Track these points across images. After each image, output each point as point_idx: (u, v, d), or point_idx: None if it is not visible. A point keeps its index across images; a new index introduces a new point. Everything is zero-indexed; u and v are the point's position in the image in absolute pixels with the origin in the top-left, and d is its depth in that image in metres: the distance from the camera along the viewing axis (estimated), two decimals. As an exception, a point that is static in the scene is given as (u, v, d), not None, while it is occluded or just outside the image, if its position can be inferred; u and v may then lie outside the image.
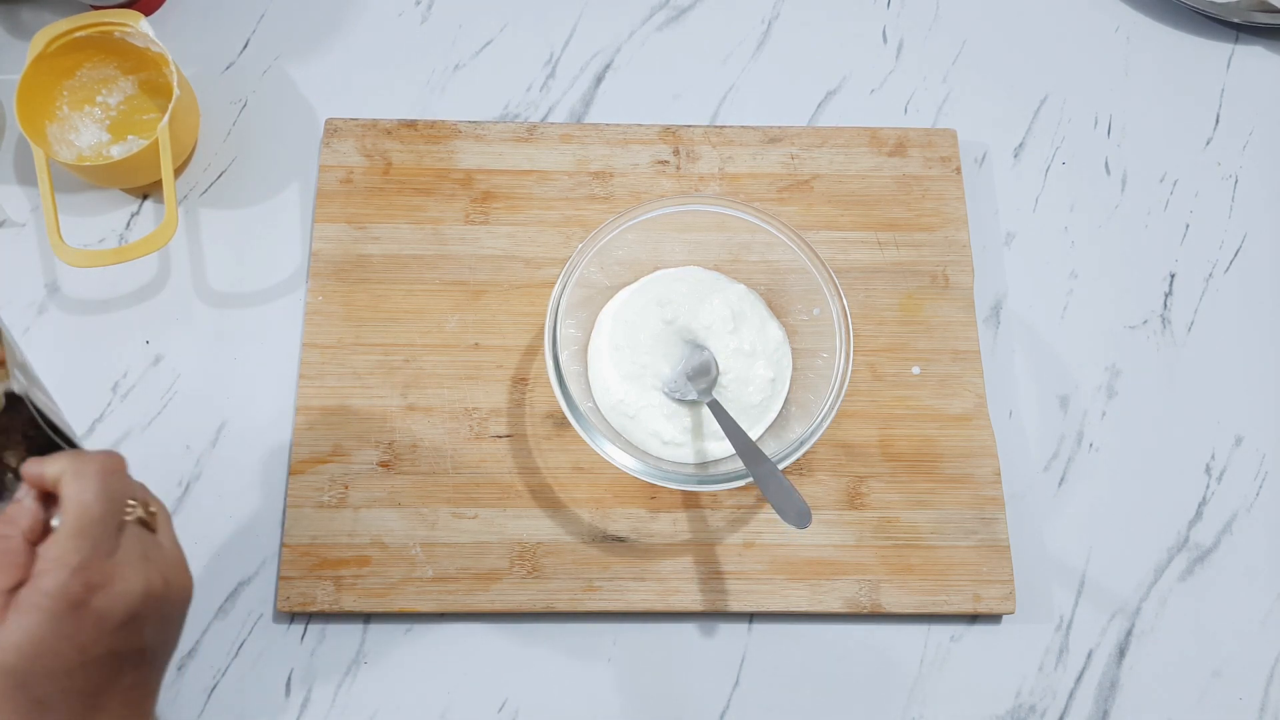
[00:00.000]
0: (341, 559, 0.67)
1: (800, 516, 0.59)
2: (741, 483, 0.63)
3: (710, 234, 0.70)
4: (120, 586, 0.45)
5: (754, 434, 0.69)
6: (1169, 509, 0.72)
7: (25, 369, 0.50)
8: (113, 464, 0.47)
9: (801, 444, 0.64)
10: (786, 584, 0.68)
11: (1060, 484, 0.72)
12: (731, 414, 0.66)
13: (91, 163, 0.75)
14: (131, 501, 0.48)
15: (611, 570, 0.68)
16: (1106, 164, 0.81)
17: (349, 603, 0.67)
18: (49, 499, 0.46)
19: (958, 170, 0.78)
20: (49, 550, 0.44)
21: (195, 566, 0.67)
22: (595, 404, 0.69)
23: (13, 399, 0.48)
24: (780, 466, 0.62)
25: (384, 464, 0.70)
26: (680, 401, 0.69)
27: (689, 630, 0.68)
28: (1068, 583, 0.70)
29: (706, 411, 0.68)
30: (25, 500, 0.46)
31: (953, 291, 0.75)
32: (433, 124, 0.78)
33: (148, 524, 0.48)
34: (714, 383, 0.69)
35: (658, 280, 0.72)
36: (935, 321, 0.74)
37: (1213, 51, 0.85)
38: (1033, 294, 0.77)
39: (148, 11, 0.81)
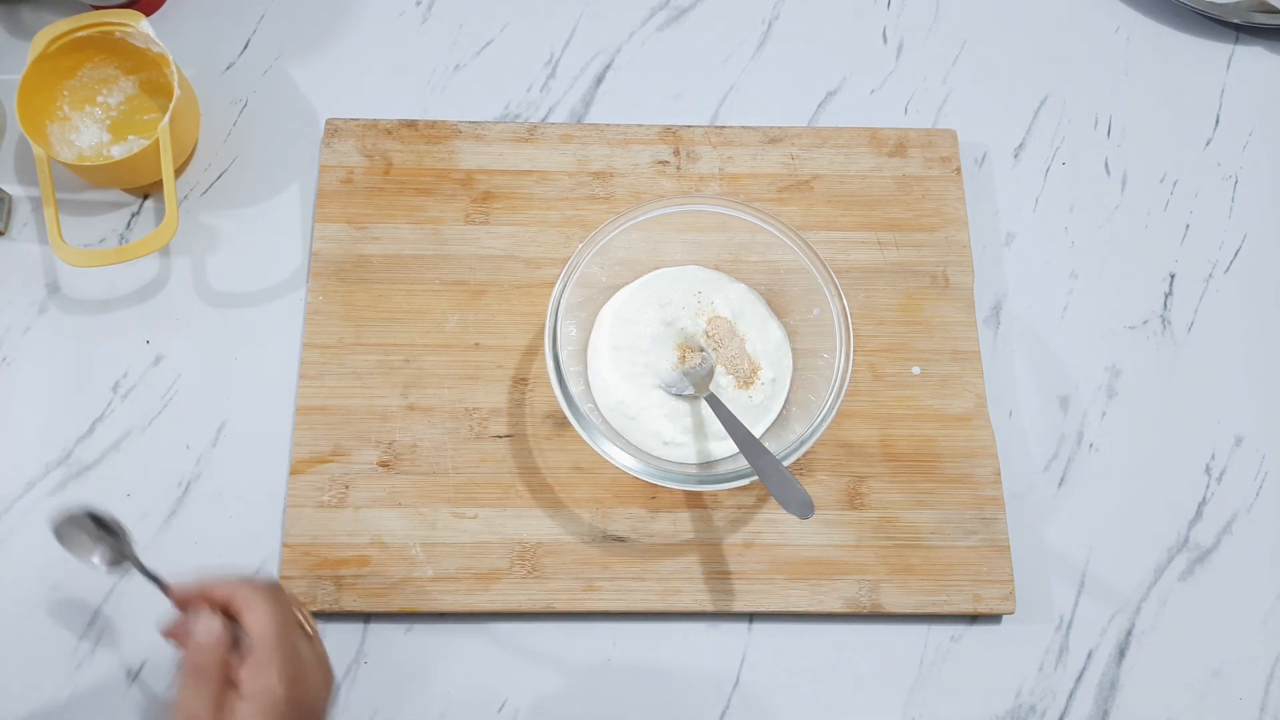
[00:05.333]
0: (341, 559, 0.67)
1: (803, 507, 0.59)
2: (742, 482, 0.63)
3: (711, 234, 0.70)
4: (314, 679, 0.53)
5: (754, 434, 0.69)
6: (1169, 509, 0.72)
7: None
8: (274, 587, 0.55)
9: (802, 444, 0.64)
10: (786, 584, 0.68)
11: (1060, 484, 0.72)
12: (732, 414, 0.66)
13: (92, 163, 0.75)
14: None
15: (612, 570, 0.68)
16: (1106, 164, 0.81)
17: (349, 602, 0.67)
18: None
19: (958, 170, 0.78)
20: (252, 659, 0.51)
21: (196, 566, 0.68)
22: (595, 404, 0.69)
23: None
24: (781, 466, 0.62)
25: (384, 464, 0.70)
26: (679, 397, 0.69)
27: (689, 630, 0.68)
28: (1068, 583, 0.70)
29: (707, 411, 0.68)
30: (214, 623, 0.52)
31: (953, 291, 0.75)
32: (433, 124, 0.78)
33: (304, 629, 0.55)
34: (710, 376, 0.69)
35: (657, 280, 0.72)
36: (935, 321, 0.74)
37: (1213, 51, 0.85)
38: (1033, 294, 0.77)
39: (148, 11, 0.81)
